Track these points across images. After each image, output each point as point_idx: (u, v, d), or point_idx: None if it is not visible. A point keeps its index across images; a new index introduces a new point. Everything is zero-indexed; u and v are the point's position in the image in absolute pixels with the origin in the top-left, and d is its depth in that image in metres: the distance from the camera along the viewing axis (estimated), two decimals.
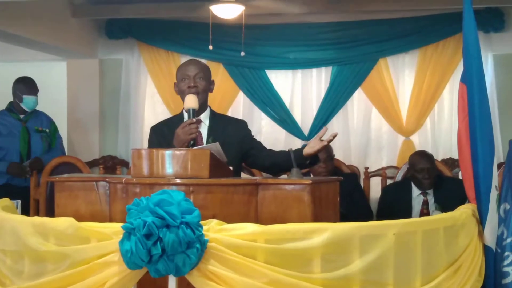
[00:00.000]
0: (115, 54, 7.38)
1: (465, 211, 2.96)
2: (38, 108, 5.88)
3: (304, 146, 6.62)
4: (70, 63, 7.35)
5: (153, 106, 7.38)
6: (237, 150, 3.47)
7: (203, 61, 6.97)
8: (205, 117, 3.55)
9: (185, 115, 3.45)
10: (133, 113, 7.30)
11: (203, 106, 3.53)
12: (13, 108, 5.78)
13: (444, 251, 2.74)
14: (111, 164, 7.12)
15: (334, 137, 3.22)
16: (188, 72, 3.50)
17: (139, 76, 7.32)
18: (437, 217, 2.89)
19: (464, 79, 3.17)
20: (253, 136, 3.68)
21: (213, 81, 3.64)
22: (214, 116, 3.60)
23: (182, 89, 3.50)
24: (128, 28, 7.19)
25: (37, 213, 5.44)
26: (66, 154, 5.99)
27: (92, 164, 6.90)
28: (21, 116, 5.77)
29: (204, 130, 3.51)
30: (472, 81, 3.09)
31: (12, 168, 5.56)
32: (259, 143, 3.64)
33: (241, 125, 3.66)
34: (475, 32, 3.12)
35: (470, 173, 3.13)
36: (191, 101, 3.36)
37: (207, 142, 3.37)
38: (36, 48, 6.66)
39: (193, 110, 3.34)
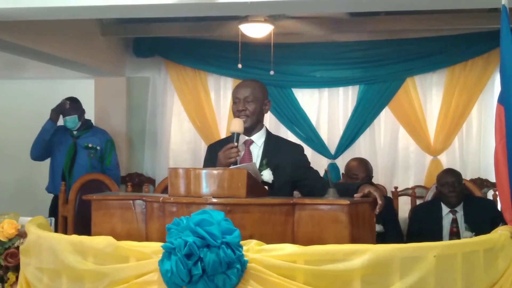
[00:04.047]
0: (142, 72, 7.45)
1: (504, 233, 2.91)
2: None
3: (331, 164, 6.62)
4: (98, 81, 7.42)
5: (179, 124, 7.40)
6: (290, 176, 3.39)
7: (230, 79, 7.17)
8: (258, 137, 3.49)
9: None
10: (159, 131, 7.34)
11: (256, 127, 3.48)
12: None
13: (484, 274, 2.70)
14: (137, 182, 7.15)
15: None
16: (238, 95, 3.45)
17: (166, 94, 7.36)
18: (477, 239, 2.84)
19: (501, 100, 3.14)
20: (309, 163, 3.54)
21: (269, 101, 3.55)
22: (269, 137, 3.54)
23: (233, 111, 3.49)
24: (155, 47, 7.24)
25: (65, 230, 5.46)
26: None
27: None
28: (74, 133, 5.94)
29: (256, 150, 3.46)
30: (510, 102, 3.06)
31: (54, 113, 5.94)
32: (315, 173, 3.47)
33: (297, 150, 3.53)
34: None
35: (507, 195, 3.09)
36: (236, 125, 3.32)
37: (261, 164, 3.32)
38: (65, 66, 6.72)
39: (237, 134, 3.30)
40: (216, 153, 3.39)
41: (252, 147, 3.48)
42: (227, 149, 3.25)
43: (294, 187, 3.48)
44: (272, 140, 3.53)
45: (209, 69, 7.25)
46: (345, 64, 6.97)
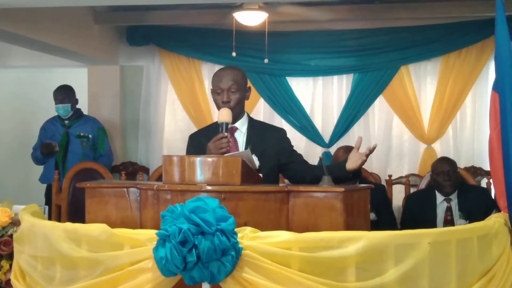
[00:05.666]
0: (136, 61, 7.42)
1: (498, 220, 2.92)
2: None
3: (326, 153, 6.64)
4: (91, 70, 7.38)
5: (173, 113, 7.39)
6: (275, 160, 3.38)
7: None
8: (241, 124, 3.46)
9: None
10: (153, 120, 7.32)
11: (239, 114, 3.46)
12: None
13: (478, 261, 2.71)
14: (131, 170, 7.13)
15: (374, 148, 3.20)
16: (222, 85, 3.40)
17: (160, 82, 7.33)
18: (471, 226, 2.84)
19: (496, 87, 3.14)
20: (293, 147, 3.53)
21: (249, 87, 3.51)
22: (252, 123, 3.51)
23: (217, 102, 3.45)
24: (149, 35, 7.21)
25: (59, 219, 5.45)
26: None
27: (112, 170, 6.91)
28: (66, 122, 5.92)
29: (240, 137, 3.44)
30: (505, 89, 3.06)
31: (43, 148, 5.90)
32: (299, 156, 3.49)
33: (280, 134, 3.54)
34: (508, 40, 3.08)
35: (501, 182, 3.10)
36: (224, 115, 3.28)
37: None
38: (58, 54, 6.68)
39: (226, 124, 3.27)
40: (199, 142, 3.41)
41: (236, 134, 3.46)
42: (218, 139, 3.21)
43: (279, 171, 3.47)
44: (255, 126, 3.51)
45: (203, 57, 7.22)
46: (340, 52, 6.96)
